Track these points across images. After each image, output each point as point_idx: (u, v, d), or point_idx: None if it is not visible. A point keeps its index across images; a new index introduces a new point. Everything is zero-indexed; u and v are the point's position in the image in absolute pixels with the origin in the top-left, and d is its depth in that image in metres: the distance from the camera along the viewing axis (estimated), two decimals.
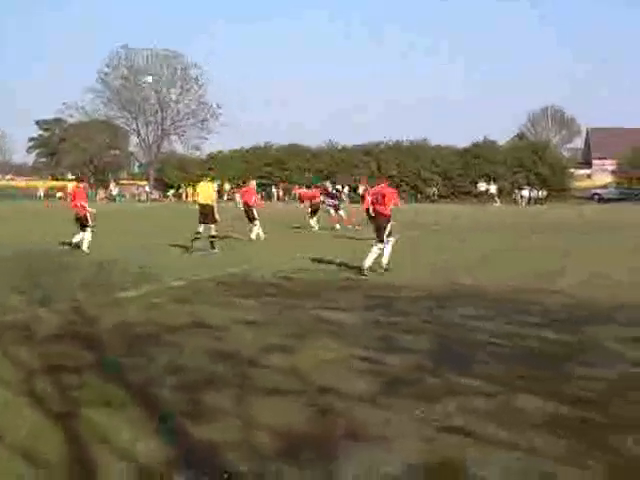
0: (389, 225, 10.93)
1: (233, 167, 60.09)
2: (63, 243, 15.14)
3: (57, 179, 69.84)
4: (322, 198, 22.56)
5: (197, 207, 14.23)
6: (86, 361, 5.31)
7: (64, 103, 70.93)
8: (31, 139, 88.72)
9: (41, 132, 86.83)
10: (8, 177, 74.49)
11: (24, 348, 5.62)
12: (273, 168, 61.31)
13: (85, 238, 14.29)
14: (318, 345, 5.82)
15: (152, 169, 69.08)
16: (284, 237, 18.42)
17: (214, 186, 14.60)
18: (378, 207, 10.84)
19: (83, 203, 14.71)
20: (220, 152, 64.61)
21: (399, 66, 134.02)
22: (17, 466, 3.47)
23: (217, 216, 14.21)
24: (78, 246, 14.26)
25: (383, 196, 11.07)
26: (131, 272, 10.43)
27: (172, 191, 59.32)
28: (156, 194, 62.69)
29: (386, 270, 10.68)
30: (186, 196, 54.87)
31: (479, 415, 4.17)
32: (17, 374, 4.93)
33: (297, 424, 3.98)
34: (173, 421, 4.08)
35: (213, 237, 14.09)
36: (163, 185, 64.23)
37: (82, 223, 14.53)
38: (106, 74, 68.64)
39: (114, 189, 59.70)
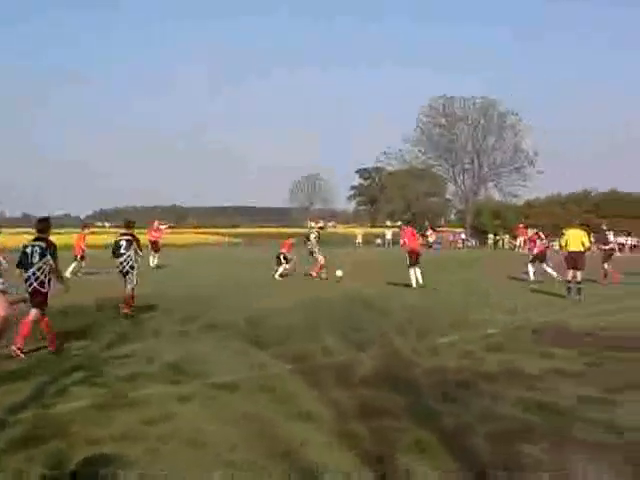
0: None
1: (550, 214, 57.28)
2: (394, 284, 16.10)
3: (375, 226, 69.48)
4: None
5: (567, 253, 14.12)
6: (401, 405, 5.50)
7: (384, 152, 71.84)
8: (352, 187, 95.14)
9: (361, 181, 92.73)
10: (330, 224, 77.01)
11: (343, 390, 5.93)
12: (592, 215, 55.43)
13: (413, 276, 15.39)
14: None
15: (468, 216, 67.95)
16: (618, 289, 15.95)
17: (584, 233, 14.18)
18: None
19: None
20: (537, 199, 62.47)
21: None
22: None
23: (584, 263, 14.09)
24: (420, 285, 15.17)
25: None
26: (445, 318, 10.62)
27: (491, 236, 58.18)
28: (472, 241, 61.39)
29: None
30: (502, 243, 54.83)
31: None
32: (334, 415, 5.19)
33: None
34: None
35: (578, 283, 13.73)
36: (478, 232, 63.32)
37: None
38: (424, 123, 69.00)
39: (431, 236, 57.87)
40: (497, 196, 69.17)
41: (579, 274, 13.88)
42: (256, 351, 7.74)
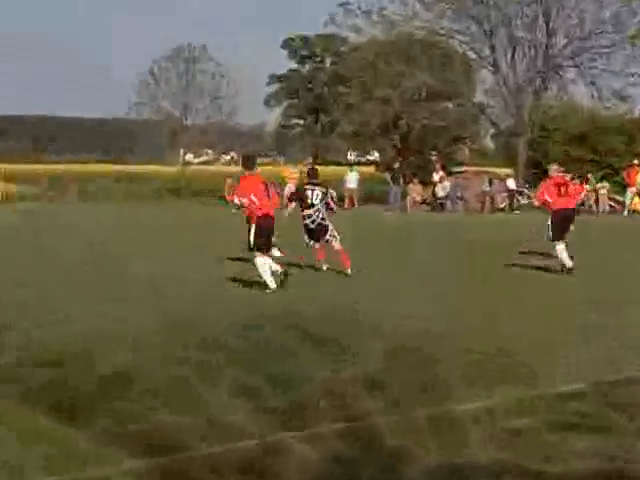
0: None
1: None
2: None
3: (322, 162, 57.88)
4: None
5: None
6: None
7: (343, 4, 49.82)
8: (273, 79, 75.56)
9: (293, 65, 74.74)
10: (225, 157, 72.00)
11: None
12: None
13: None
14: None
15: (522, 141, 47.75)
16: None
17: None
18: None
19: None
20: None
21: None
22: None
23: None
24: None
25: None
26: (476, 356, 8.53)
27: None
28: (530, 193, 43.21)
29: None
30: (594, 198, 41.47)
31: None
32: None
33: None
34: None
35: None
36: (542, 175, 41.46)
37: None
38: None
39: (441, 182, 40.64)
40: (584, 97, 50.54)
41: None
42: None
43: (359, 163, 63.63)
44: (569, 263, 16.05)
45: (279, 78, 79.61)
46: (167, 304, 12.17)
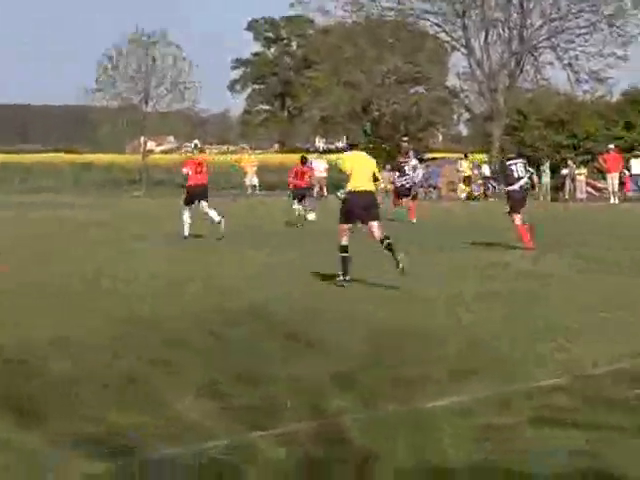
0: None
1: None
2: None
3: (290, 150, 60.56)
4: None
5: None
6: None
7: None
8: (238, 62, 74.90)
9: (258, 48, 74.77)
10: (190, 145, 46.69)
11: None
12: None
13: None
14: None
15: (497, 126, 47.75)
16: None
17: None
18: None
19: None
20: None
21: None
22: None
23: None
24: None
25: None
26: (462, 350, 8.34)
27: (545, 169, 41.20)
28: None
29: None
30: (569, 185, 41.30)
31: None
32: None
33: None
34: None
35: None
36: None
37: None
38: None
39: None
40: (559, 80, 51.34)
41: None
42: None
43: (328, 151, 64.29)
44: None
45: (244, 62, 79.26)
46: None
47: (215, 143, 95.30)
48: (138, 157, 58.94)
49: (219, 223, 20.04)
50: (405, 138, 46.82)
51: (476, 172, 45.74)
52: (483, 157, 50.47)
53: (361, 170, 12.90)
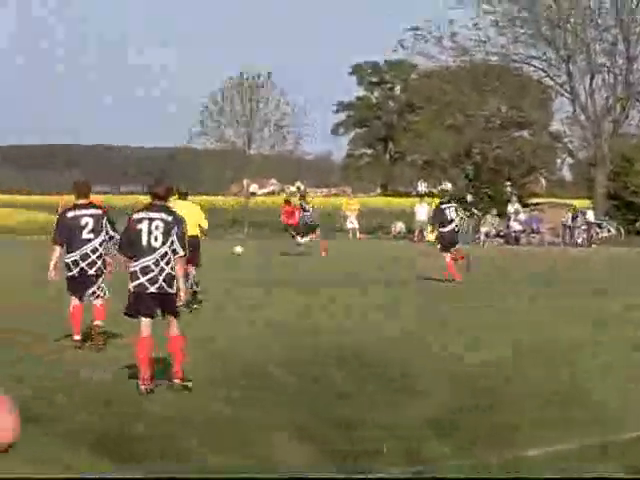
0: None
1: None
2: None
3: (392, 193, 59.77)
4: None
5: None
6: None
7: (413, 29, 50.38)
8: (340, 106, 76.48)
9: (360, 92, 76.04)
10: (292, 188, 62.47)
11: None
12: None
13: None
14: None
15: (602, 172, 47.53)
16: None
17: None
18: None
19: None
20: None
21: None
22: None
23: None
24: None
25: None
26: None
27: None
28: (609, 226, 44.82)
29: None
30: None
31: None
32: None
33: None
34: None
35: None
36: (624, 206, 47.11)
37: None
38: None
39: (516, 214, 41.68)
40: None
41: None
42: None
43: (430, 194, 63.32)
44: None
45: (347, 106, 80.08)
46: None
47: (317, 186, 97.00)
48: (240, 199, 59.32)
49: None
50: (508, 183, 47.68)
51: (579, 219, 46.09)
52: (587, 203, 50.06)
53: None
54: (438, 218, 22.32)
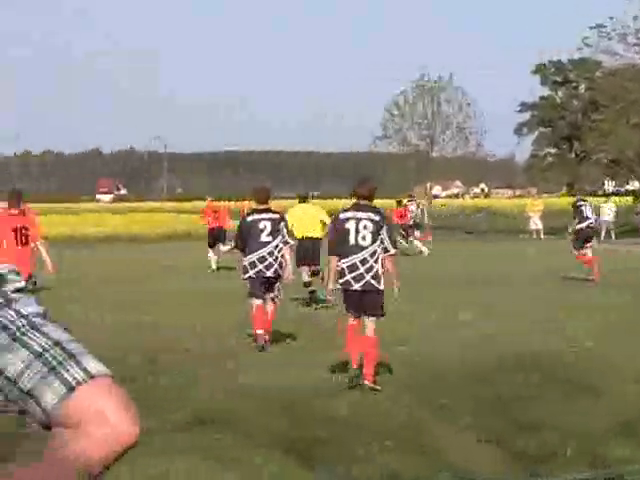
0: None
1: None
2: None
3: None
4: None
5: None
6: None
7: (597, 27, 48.19)
8: (523, 106, 75.24)
9: (544, 91, 73.94)
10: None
11: None
12: None
13: None
14: None
15: None
16: None
17: None
18: None
19: None
20: None
21: None
22: None
23: None
24: None
25: None
26: None
27: None
28: None
29: None
30: None
31: None
32: None
33: None
34: None
35: None
36: None
37: None
38: None
39: None
40: None
41: None
42: None
43: (617, 193, 62.56)
44: None
45: (530, 106, 78.60)
46: None
47: (501, 187, 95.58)
48: (422, 201, 60.12)
49: None
50: None
51: None
52: None
53: None
54: (578, 216, 22.43)
